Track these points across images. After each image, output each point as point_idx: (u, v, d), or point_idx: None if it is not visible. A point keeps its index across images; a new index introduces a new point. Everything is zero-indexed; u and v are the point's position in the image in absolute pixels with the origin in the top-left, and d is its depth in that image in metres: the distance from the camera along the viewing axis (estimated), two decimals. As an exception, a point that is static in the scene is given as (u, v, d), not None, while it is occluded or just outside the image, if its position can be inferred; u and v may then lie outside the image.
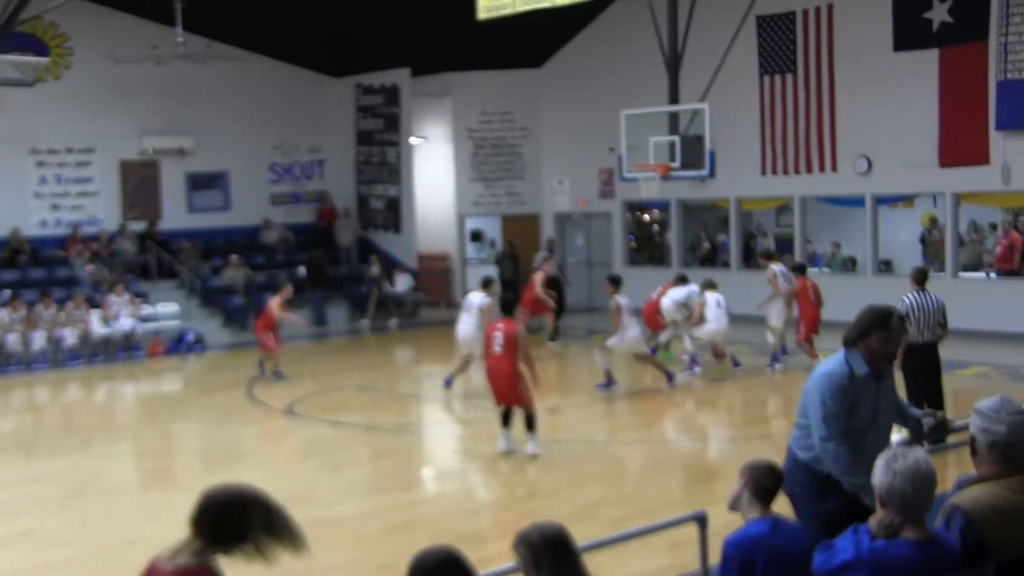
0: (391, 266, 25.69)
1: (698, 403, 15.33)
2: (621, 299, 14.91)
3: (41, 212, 23.93)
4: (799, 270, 17.12)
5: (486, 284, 16.13)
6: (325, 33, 25.22)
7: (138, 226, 24.53)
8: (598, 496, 10.22)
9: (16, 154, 23.49)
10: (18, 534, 9.64)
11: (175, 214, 25.42)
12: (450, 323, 24.89)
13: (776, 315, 16.86)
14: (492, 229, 27.58)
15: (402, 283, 25.26)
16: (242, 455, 12.96)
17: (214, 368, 20.05)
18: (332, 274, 25.54)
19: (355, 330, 23.90)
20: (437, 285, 26.86)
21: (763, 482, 4.96)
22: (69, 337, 20.32)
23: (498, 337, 11.50)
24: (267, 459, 12.96)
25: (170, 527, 9.85)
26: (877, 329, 5.63)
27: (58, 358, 20.12)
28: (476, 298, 15.67)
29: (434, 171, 26.93)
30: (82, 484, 11.54)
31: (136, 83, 24.39)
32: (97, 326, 20.76)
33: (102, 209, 24.55)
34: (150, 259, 23.96)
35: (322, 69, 27.32)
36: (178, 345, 21.39)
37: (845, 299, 21.02)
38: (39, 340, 20.08)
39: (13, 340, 19.92)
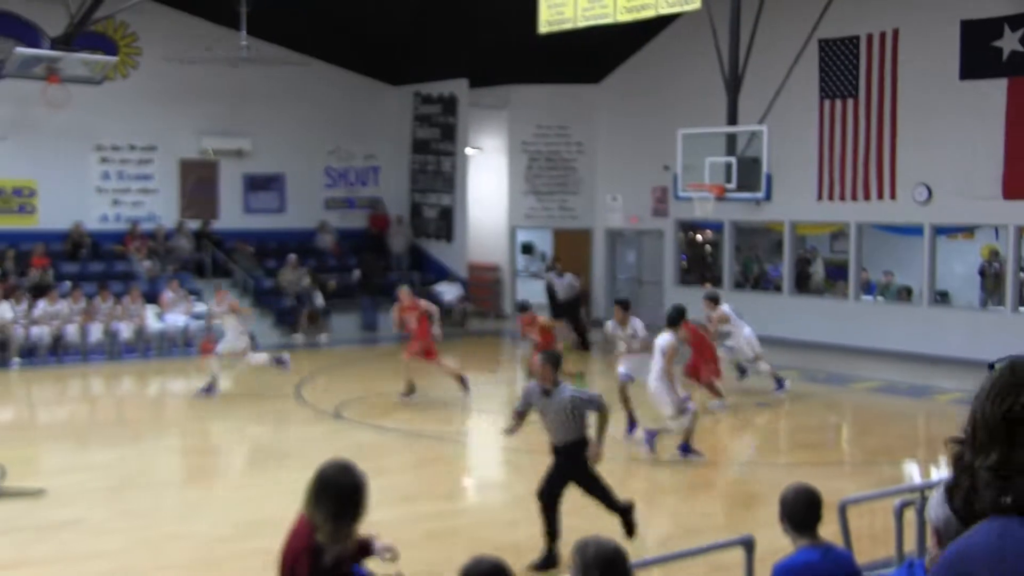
0: (440, 275, 25.85)
1: (741, 426, 15.23)
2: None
3: (102, 207, 24.35)
4: (714, 301, 16.89)
5: (675, 319, 12.82)
6: (385, 41, 25.43)
7: (195, 224, 24.89)
8: (639, 515, 10.19)
9: (81, 150, 23.94)
10: (68, 521, 9.81)
11: (231, 214, 25.75)
12: (497, 334, 25.15)
13: (747, 345, 16.59)
14: (543, 242, 27.64)
15: (451, 292, 25.39)
16: (286, 456, 13.08)
17: (264, 368, 20.24)
18: (383, 280, 25.72)
19: (404, 337, 24.02)
20: (486, 296, 26.95)
21: (796, 510, 4.93)
22: (125, 331, 20.67)
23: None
24: (310, 461, 13.00)
25: (211, 524, 10.00)
26: None
27: (114, 351, 20.46)
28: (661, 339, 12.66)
29: (488, 182, 27.04)
30: (130, 476, 11.72)
31: (198, 84, 24.76)
32: (152, 321, 21.09)
33: (161, 206, 24.93)
34: (205, 257, 24.29)
35: (381, 77, 27.55)
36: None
37: (899, 329, 20.96)
38: (96, 332, 20.45)
39: (72, 331, 20.32)
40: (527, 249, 27.71)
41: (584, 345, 21.87)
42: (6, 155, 23.02)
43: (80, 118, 23.09)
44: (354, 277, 24.91)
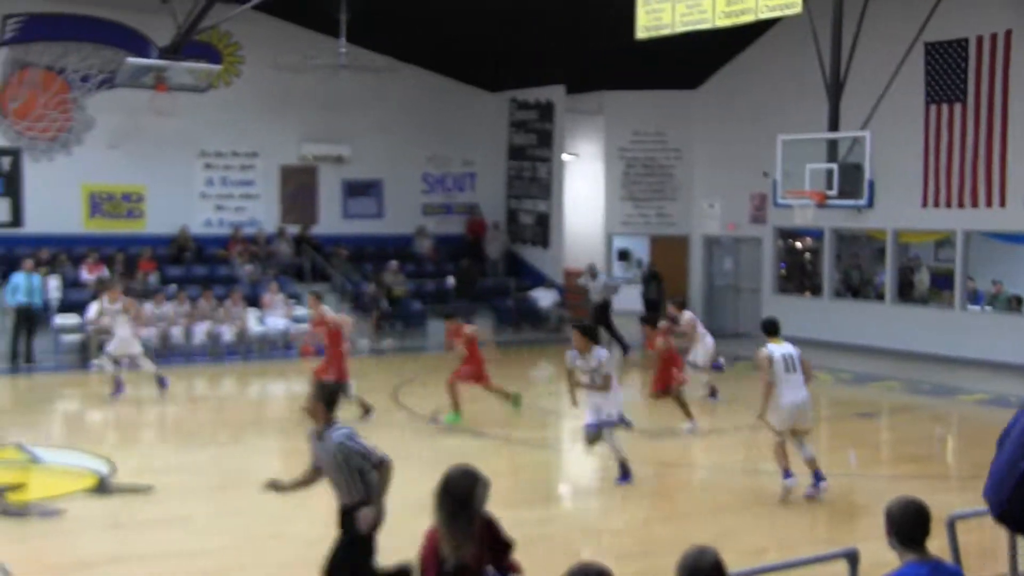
0: (536, 281, 25.90)
1: (841, 436, 14.95)
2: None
3: (206, 212, 24.92)
4: (680, 305, 16.94)
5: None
6: (482, 48, 25.58)
7: (296, 229, 25.33)
8: (732, 525, 10.06)
9: (186, 156, 24.54)
10: (172, 519, 10.04)
11: (330, 219, 26.15)
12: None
13: (703, 356, 16.47)
14: (640, 249, 27.48)
15: (547, 298, 25.39)
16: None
17: (361, 372, 20.46)
18: (480, 286, 25.85)
19: (500, 342, 24.10)
20: (582, 302, 26.89)
21: (903, 524, 4.81)
22: (227, 333, 21.14)
23: None
24: (404, 464, 13.11)
25: (309, 525, 10.12)
26: None
27: (216, 352, 20.93)
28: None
29: (584, 188, 27.01)
30: (233, 476, 11.94)
31: (299, 91, 25.20)
32: (253, 324, 21.53)
33: (262, 212, 25.43)
34: (304, 262, 24.69)
35: (478, 83, 27.71)
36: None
37: (1008, 340, 20.35)
38: (200, 334, 20.95)
39: (177, 332, 20.86)
40: (623, 256, 27.57)
41: (623, 349, 21.86)
42: (117, 162, 23.71)
43: (186, 126, 23.65)
44: (449, 283, 25.10)
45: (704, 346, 16.54)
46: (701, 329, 16.73)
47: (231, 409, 17.33)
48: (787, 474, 10.73)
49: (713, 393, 16.74)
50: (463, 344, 14.98)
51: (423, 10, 23.16)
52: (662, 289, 26.37)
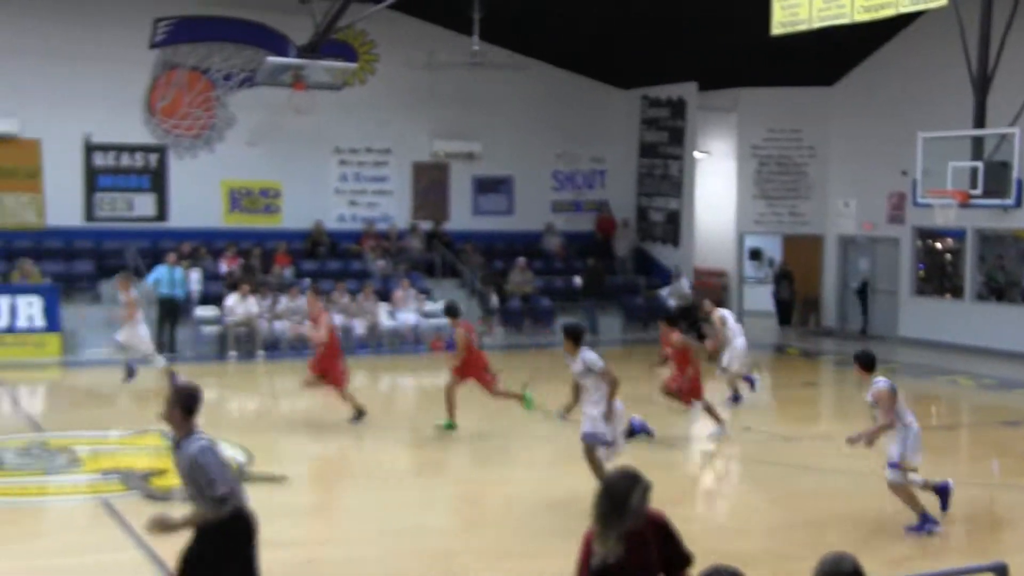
0: (665, 280, 25.69)
1: (982, 444, 14.43)
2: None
3: (340, 208, 25.43)
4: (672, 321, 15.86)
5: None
6: (614, 45, 25.46)
7: (426, 225, 25.65)
8: (874, 530, 9.80)
9: (321, 153, 25.08)
10: (308, 507, 10.26)
11: (461, 216, 26.40)
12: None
13: (736, 361, 15.96)
14: (772, 248, 27.02)
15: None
16: (511, 453, 13.28)
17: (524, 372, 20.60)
18: (608, 284, 25.76)
19: (629, 340, 24.00)
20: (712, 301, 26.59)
21: None
22: (359, 327, 21.52)
23: None
24: (535, 460, 13.20)
25: (443, 517, 10.18)
26: None
27: (349, 346, 21.30)
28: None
29: (715, 186, 26.68)
30: (366, 467, 12.16)
31: (432, 89, 25.49)
32: (385, 318, 21.88)
33: (394, 207, 25.82)
34: (435, 258, 24.98)
35: (609, 80, 27.61)
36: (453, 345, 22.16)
37: None
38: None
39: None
40: (755, 255, 27.16)
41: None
42: (255, 159, 24.37)
43: (321, 123, 24.16)
44: (576, 283, 25.05)
45: (734, 349, 16.03)
46: (733, 330, 16.18)
47: (362, 401, 17.60)
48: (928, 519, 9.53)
49: (736, 397, 16.19)
50: (461, 343, 13.82)
51: (555, 7, 23.18)
52: (794, 289, 25.94)
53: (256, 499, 10.38)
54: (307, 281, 22.49)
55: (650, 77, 26.77)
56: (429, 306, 22.72)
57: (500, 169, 26.79)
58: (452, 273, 24.78)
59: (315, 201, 24.89)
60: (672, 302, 22.92)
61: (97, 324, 20.90)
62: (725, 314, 16.52)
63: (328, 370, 14.40)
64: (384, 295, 22.74)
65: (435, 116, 25.83)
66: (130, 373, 16.84)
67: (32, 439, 12.92)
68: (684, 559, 5.11)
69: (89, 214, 23.45)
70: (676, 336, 13.99)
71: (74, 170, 23.25)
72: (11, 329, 19.96)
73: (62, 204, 23.07)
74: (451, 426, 13.71)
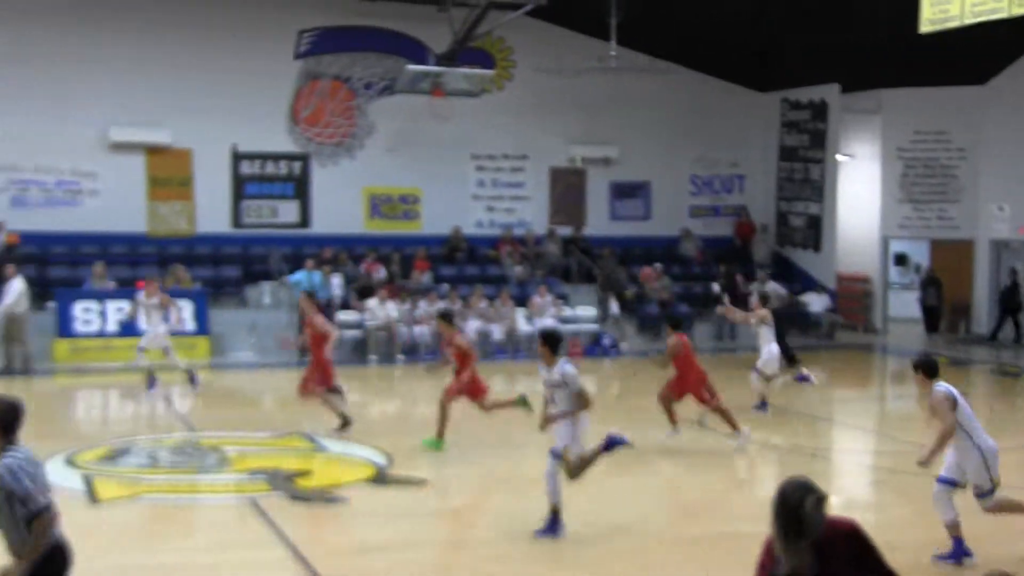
0: (807, 285, 25.14)
1: None
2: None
3: (478, 213, 25.67)
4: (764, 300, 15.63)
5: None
6: (752, 47, 25.08)
7: (564, 231, 25.69)
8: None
9: (459, 159, 25.36)
10: (447, 510, 10.36)
11: (598, 221, 26.35)
12: (868, 348, 24.14)
13: (770, 365, 15.49)
14: (919, 253, 26.20)
15: (818, 303, 24.61)
16: (649, 458, 13.15)
17: (628, 373, 20.52)
18: (746, 290, 25.32)
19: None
20: (855, 308, 25.92)
21: None
22: (496, 331, 21.69)
23: None
24: (671, 466, 13.06)
25: (580, 523, 10.14)
26: None
27: (486, 350, 21.48)
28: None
29: (858, 190, 26.00)
30: (503, 473, 12.20)
31: (568, 94, 25.52)
32: (522, 323, 21.99)
33: (531, 213, 25.94)
34: (572, 263, 24.99)
35: (747, 83, 27.20)
36: (595, 347, 22.17)
37: None
38: (470, 332, 21.56)
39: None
40: (901, 260, 26.38)
41: (789, 361, 20.48)
42: (394, 165, 24.79)
43: (459, 130, 24.42)
44: (715, 288, 24.68)
45: (768, 352, 15.61)
46: (768, 333, 15.74)
47: (499, 408, 17.69)
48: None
49: (763, 404, 15.63)
50: (453, 354, 13.08)
51: (693, 11, 22.95)
52: (942, 295, 25.09)
53: (396, 502, 10.57)
54: (445, 286, 22.77)
55: (790, 79, 26.26)
56: (567, 311, 22.76)
57: (637, 174, 26.66)
58: (589, 278, 24.75)
59: (453, 207, 25.19)
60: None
61: (243, 328, 21.59)
62: (767, 314, 16.07)
63: (317, 374, 13.97)
64: (521, 300, 22.86)
65: (572, 121, 25.86)
66: (192, 379, 17.20)
67: (185, 438, 13.38)
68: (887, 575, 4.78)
69: (236, 221, 24.21)
70: (674, 340, 13.32)
71: (222, 179, 24.05)
72: (164, 332, 20.70)
73: (211, 211, 23.87)
74: (438, 444, 12.77)
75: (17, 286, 19.01)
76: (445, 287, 22.76)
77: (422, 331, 21.61)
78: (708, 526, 10.03)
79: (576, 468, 9.44)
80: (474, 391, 13.04)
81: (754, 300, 16.33)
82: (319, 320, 14.14)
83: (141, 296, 17.56)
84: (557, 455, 9.29)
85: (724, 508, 10.56)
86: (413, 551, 9.04)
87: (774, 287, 22.59)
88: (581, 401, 9.26)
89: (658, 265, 24.55)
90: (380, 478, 11.41)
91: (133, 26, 23.11)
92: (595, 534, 9.48)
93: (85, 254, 22.36)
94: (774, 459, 13.40)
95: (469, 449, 13.56)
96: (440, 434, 12.76)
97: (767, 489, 11.54)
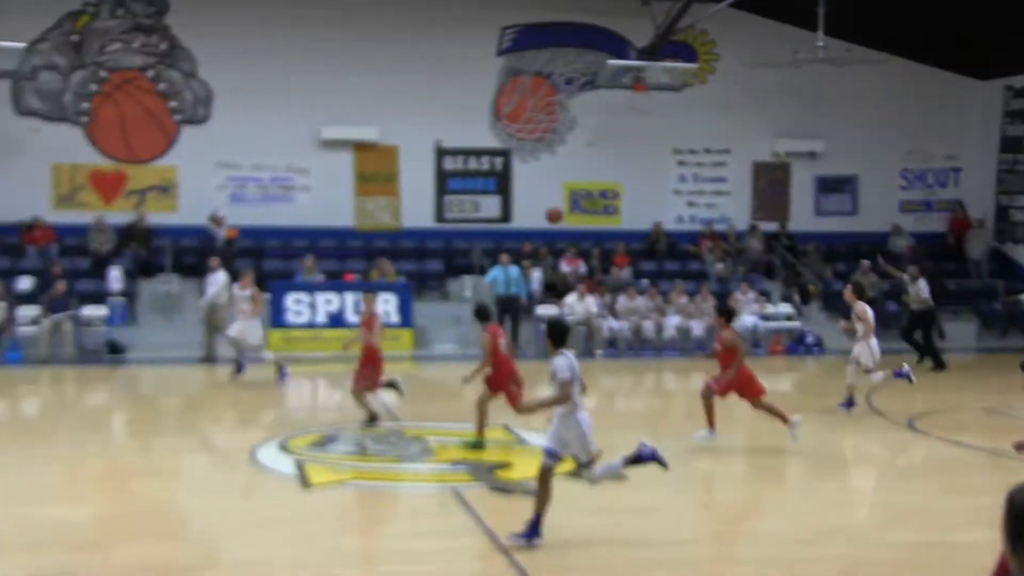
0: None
1: None
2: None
3: (678, 208, 25.43)
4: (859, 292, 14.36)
5: None
6: (971, 33, 23.87)
7: (770, 226, 25.15)
8: None
9: (660, 154, 25.17)
10: (645, 508, 10.27)
11: (802, 216, 25.69)
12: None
13: (868, 358, 14.86)
14: None
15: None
16: (854, 462, 12.73)
17: (830, 372, 19.89)
18: (959, 288, 24.19)
19: (984, 349, 22.43)
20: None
21: None
22: (697, 328, 21.42)
23: None
24: (882, 471, 12.58)
25: (783, 525, 9.90)
26: None
27: (686, 347, 21.27)
28: None
29: (1089, 182, 24.44)
30: (705, 470, 12.03)
31: (773, 87, 24.96)
32: (723, 321, 21.64)
33: (733, 208, 25.49)
34: (775, 259, 24.42)
35: (965, 71, 25.94)
36: (797, 346, 21.60)
37: None
38: (670, 328, 21.41)
39: (648, 326, 21.46)
40: None
41: (939, 364, 18.99)
42: (595, 161, 24.82)
43: (660, 124, 24.25)
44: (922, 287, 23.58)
45: (869, 347, 14.87)
46: (862, 328, 14.93)
47: (698, 403, 17.47)
48: None
49: (849, 403, 14.84)
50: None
51: (906, -3, 22.06)
52: None
53: (596, 496, 10.55)
54: (645, 282, 22.66)
55: (1014, 65, 24.84)
56: (769, 308, 22.27)
57: (844, 168, 25.84)
58: (794, 275, 24.13)
59: (654, 202, 25.03)
60: (915, 307, 20.95)
61: (445, 320, 22.04)
62: (866, 307, 15.15)
63: (368, 368, 13.65)
64: (722, 297, 22.47)
65: (776, 115, 25.27)
66: (239, 368, 17.59)
67: (389, 427, 13.74)
68: None
69: (439, 215, 24.74)
70: (727, 334, 12.68)
71: (426, 174, 24.63)
72: (370, 324, 21.36)
73: (416, 206, 24.48)
74: (479, 444, 12.20)
75: (219, 278, 19.96)
76: (645, 282, 22.63)
77: (621, 326, 21.54)
78: (920, 534, 9.60)
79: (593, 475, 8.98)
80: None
81: (848, 291, 15.58)
82: (376, 317, 13.72)
83: (236, 289, 18.14)
84: (552, 455, 8.70)
85: (935, 515, 10.07)
86: (611, 548, 9.00)
87: (923, 286, 21.42)
88: (560, 395, 8.54)
89: (865, 262, 23.69)
90: (579, 472, 11.39)
91: (343, 28, 23.95)
92: (804, 539, 9.21)
93: (296, 248, 23.31)
94: (988, 465, 12.72)
95: (670, 445, 13.42)
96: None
97: (984, 497, 10.98)
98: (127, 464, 12.11)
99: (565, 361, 8.61)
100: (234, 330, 17.79)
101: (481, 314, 12.76)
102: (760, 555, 8.86)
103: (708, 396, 12.92)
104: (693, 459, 12.54)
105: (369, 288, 15.34)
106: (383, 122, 24.01)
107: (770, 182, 25.87)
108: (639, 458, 9.14)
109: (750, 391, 12.73)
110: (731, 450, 13.62)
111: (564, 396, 8.59)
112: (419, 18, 24.26)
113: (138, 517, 9.43)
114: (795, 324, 22.44)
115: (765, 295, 22.88)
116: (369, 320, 13.76)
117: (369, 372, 13.62)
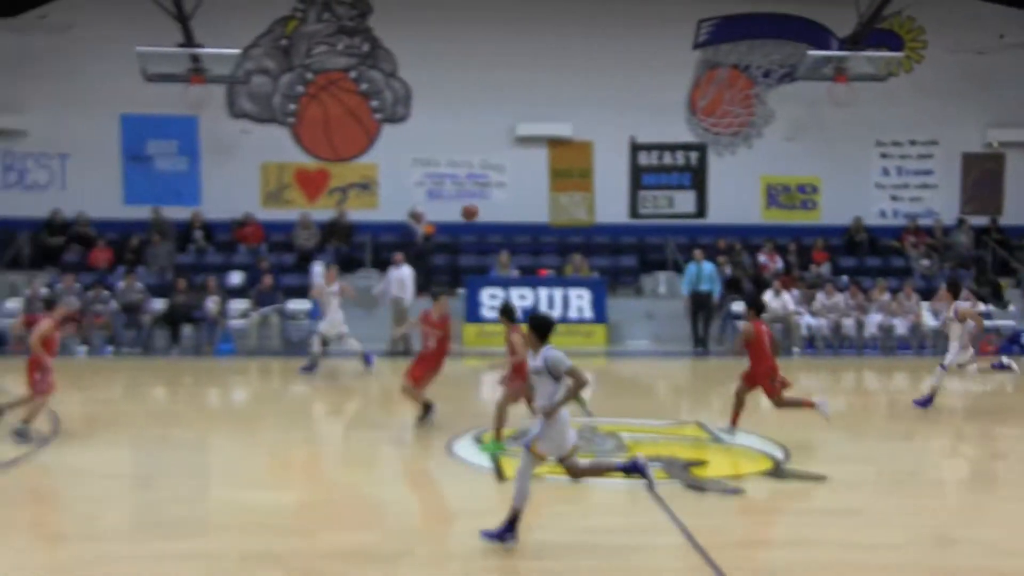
0: None
1: None
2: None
3: (881, 202, 24.56)
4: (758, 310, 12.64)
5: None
6: None
7: (977, 221, 24.00)
8: None
9: (861, 146, 24.37)
10: (847, 509, 9.95)
11: (1018, 210, 24.39)
12: None
13: (958, 357, 14.58)
14: None
15: None
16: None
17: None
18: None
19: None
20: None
21: None
22: (900, 326, 20.63)
23: None
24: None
25: (990, 529, 9.43)
26: None
27: (888, 345, 20.52)
28: None
29: None
30: (907, 472, 11.58)
31: (986, 74, 23.82)
32: (927, 318, 20.78)
33: (940, 202, 24.45)
34: (985, 255, 23.28)
35: None
36: (1011, 346, 20.52)
37: None
38: (872, 326, 20.69)
39: (849, 324, 20.81)
40: None
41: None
42: (793, 154, 24.23)
43: (862, 115, 23.46)
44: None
45: (959, 348, 14.37)
46: (957, 329, 14.51)
47: (901, 403, 16.83)
48: None
49: (928, 400, 14.52)
50: (510, 349, 11.91)
51: None
52: None
53: (794, 497, 10.29)
54: (845, 278, 21.98)
55: None
56: (980, 307, 21.17)
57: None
58: (1005, 271, 22.93)
59: (854, 196, 24.26)
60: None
61: (639, 316, 21.94)
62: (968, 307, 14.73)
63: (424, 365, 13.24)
64: (926, 294, 21.56)
65: (989, 103, 24.06)
66: (367, 361, 17.86)
67: (584, 423, 13.77)
68: None
69: (633, 211, 24.64)
70: (746, 326, 12.39)
71: (620, 170, 24.57)
72: (564, 319, 21.48)
73: (609, 202, 24.47)
74: (498, 448, 11.57)
75: (401, 273, 20.45)
76: (845, 279, 21.95)
77: (820, 323, 20.95)
78: None
79: (579, 471, 8.89)
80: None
81: (942, 288, 14.77)
82: (439, 317, 13.24)
83: (322, 283, 18.45)
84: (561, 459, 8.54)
85: None
86: (813, 550, 8.76)
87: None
88: (575, 383, 8.28)
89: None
90: (777, 472, 11.15)
91: (537, 26, 24.13)
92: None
93: (491, 243, 23.64)
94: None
95: (872, 446, 12.98)
96: (497, 432, 11.99)
97: None
98: (329, 453, 12.54)
99: (557, 351, 8.36)
100: (323, 326, 18.03)
101: (507, 313, 12.24)
102: (957, 563, 8.44)
103: (776, 398, 12.76)
104: (895, 458, 12.09)
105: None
106: (577, 118, 24.08)
107: (982, 174, 24.65)
108: (633, 468, 8.95)
109: (765, 385, 12.59)
110: (942, 450, 13.06)
111: (582, 378, 8.36)
112: (614, 13, 24.21)
113: (339, 505, 9.75)
114: (1009, 323, 21.26)
115: (981, 297, 21.79)
116: (441, 322, 13.22)
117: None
